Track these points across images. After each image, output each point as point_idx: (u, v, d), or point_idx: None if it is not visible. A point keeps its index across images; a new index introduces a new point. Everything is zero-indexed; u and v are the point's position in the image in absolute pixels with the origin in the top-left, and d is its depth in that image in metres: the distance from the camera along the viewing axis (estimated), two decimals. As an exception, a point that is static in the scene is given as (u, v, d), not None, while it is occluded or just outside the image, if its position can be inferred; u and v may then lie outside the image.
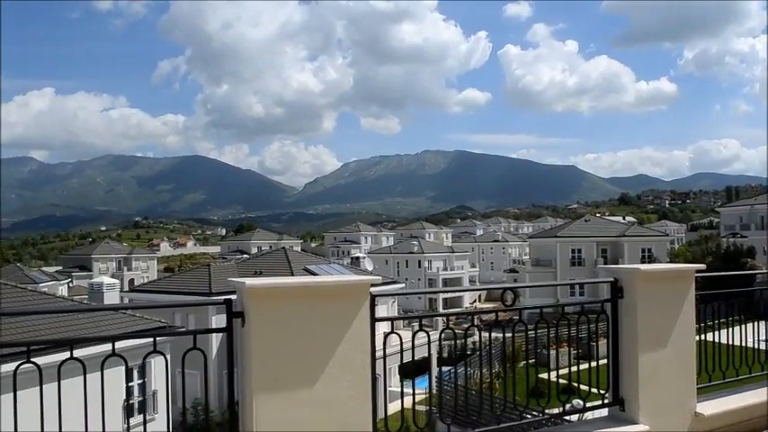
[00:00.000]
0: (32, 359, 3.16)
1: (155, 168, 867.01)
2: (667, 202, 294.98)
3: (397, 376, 26.25)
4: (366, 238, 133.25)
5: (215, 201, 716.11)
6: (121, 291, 40.21)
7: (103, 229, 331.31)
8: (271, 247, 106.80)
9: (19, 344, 3.38)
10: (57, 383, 3.11)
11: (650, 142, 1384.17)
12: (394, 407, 8.71)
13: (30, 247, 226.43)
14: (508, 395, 5.27)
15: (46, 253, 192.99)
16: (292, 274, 36.76)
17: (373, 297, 3.68)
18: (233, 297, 3.51)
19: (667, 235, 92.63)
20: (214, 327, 3.67)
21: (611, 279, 4.85)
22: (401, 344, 4.07)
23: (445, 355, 31.28)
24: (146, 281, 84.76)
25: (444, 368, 23.22)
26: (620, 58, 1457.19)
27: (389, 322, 4.33)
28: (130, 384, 21.02)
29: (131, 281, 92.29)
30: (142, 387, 21.28)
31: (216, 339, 27.70)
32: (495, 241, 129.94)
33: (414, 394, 4.61)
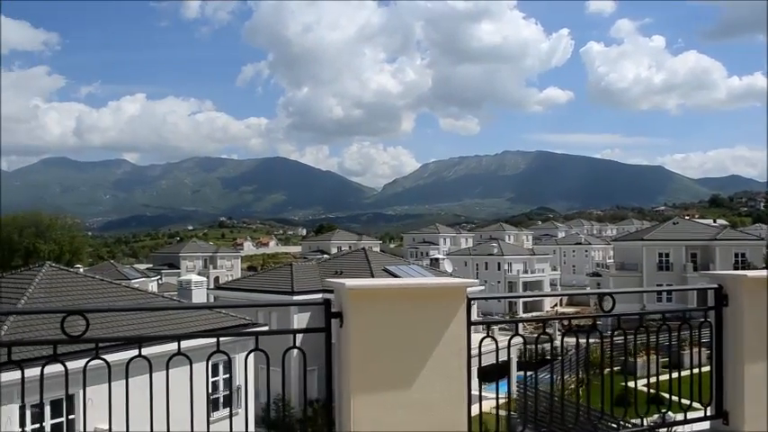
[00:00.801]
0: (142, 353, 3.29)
1: (238, 170, 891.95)
2: (762, 203, 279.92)
3: (475, 379, 26.01)
4: (445, 239, 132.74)
5: (296, 201, 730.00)
6: (208, 288, 41.51)
7: (190, 228, 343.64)
8: (350, 247, 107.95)
9: (132, 339, 3.51)
10: (153, 375, 3.22)
11: (743, 141, 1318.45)
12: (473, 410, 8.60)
13: (122, 245, 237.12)
14: (593, 403, 5.10)
15: (137, 251, 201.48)
16: (372, 275, 37.00)
17: (470, 300, 3.65)
18: (331, 297, 3.54)
19: (762, 239, 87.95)
20: (308, 327, 3.71)
21: (716, 286, 4.61)
22: (491, 347, 4.00)
23: (525, 359, 30.69)
24: (230, 279, 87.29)
25: (525, 373, 22.79)
26: (711, 52, 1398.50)
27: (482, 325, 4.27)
28: (215, 379, 21.71)
29: (216, 278, 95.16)
30: (227, 382, 21.94)
31: (297, 337, 28.26)
32: (578, 244, 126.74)
33: (497, 398, 4.50)
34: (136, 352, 3.29)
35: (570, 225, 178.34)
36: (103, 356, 3.34)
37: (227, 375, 21.87)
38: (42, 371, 3.25)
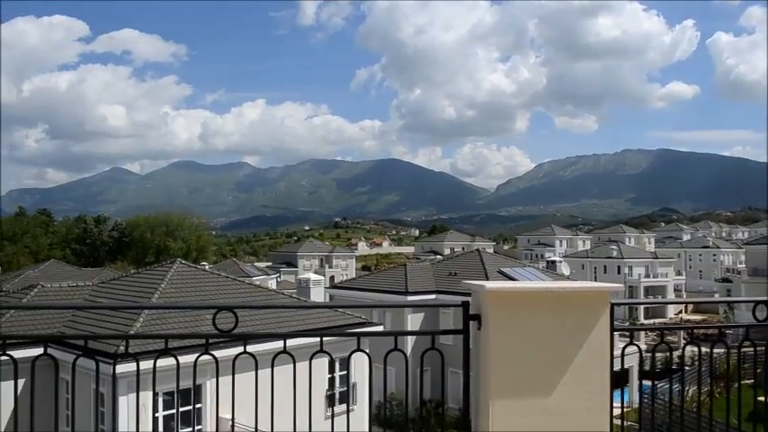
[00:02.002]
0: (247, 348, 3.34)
1: (353, 171, 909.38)
2: None
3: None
4: (561, 241, 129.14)
5: (409, 202, 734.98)
6: (324, 287, 42.48)
7: (307, 228, 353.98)
8: (463, 248, 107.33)
9: (277, 335, 3.58)
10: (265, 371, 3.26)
11: None
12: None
13: (244, 244, 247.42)
14: (719, 417, 4.69)
15: (257, 250, 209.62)
16: (487, 277, 36.55)
17: (613, 306, 3.45)
18: (469, 299, 3.46)
19: None
20: (449, 328, 3.65)
21: None
22: (639, 354, 3.76)
23: (647, 368, 29.31)
24: (345, 278, 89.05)
25: (648, 382, 21.71)
26: None
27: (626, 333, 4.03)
28: (332, 376, 22.16)
29: (332, 278, 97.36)
30: (344, 379, 22.34)
31: (411, 338, 28.37)
32: (705, 247, 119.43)
33: (622, 408, 4.23)
34: (264, 347, 3.34)
35: (696, 227, 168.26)
36: (249, 350, 3.43)
37: (344, 372, 22.29)
38: (178, 362, 3.41)
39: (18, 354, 3.43)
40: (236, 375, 3.41)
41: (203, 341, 3.41)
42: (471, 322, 3.40)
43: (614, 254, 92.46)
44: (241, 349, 3.37)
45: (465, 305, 3.41)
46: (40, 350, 3.31)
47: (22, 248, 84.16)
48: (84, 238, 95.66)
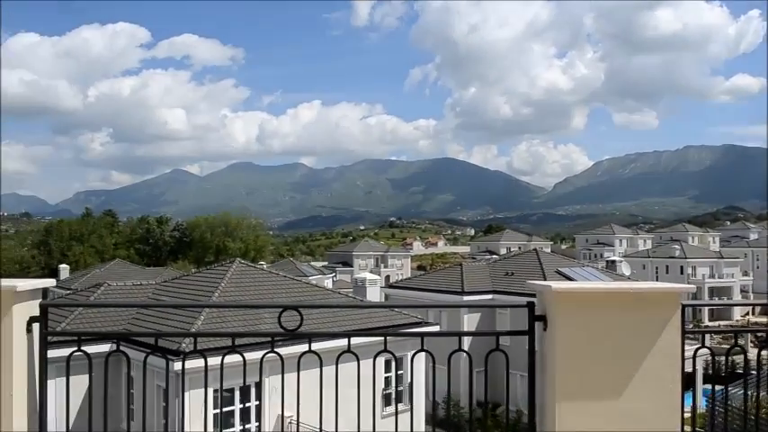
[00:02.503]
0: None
1: (408, 171, 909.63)
2: None
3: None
4: (620, 240, 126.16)
5: (464, 201, 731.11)
6: (380, 286, 42.55)
7: (362, 228, 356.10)
8: (519, 248, 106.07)
9: (341, 334, 3.59)
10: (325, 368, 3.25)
11: None
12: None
13: (300, 243, 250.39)
14: None
15: (313, 249, 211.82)
16: (544, 277, 36.00)
17: (684, 307, 3.32)
18: (534, 299, 3.39)
19: None
20: (509, 329, 3.58)
21: None
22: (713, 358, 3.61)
23: (711, 371, 28.32)
24: (400, 278, 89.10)
25: (710, 386, 20.93)
26: None
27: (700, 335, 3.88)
28: (388, 375, 22.18)
29: (387, 277, 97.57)
30: (400, 378, 22.34)
31: (467, 339, 28.16)
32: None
33: (693, 412, 4.06)
34: (318, 345, 3.32)
35: (764, 226, 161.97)
36: (315, 348, 3.45)
37: (400, 372, 22.29)
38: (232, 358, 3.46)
39: (86, 350, 3.53)
40: (292, 373, 3.42)
41: (260, 339, 3.45)
42: (537, 323, 3.33)
43: (677, 253, 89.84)
44: (299, 348, 3.39)
45: (530, 306, 3.34)
46: (105, 347, 3.39)
47: (88, 248, 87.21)
48: (147, 238, 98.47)
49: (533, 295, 3.50)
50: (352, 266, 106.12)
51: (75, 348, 3.33)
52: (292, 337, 3.23)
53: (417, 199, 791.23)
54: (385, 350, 3.32)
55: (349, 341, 3.34)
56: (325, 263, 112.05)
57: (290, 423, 18.04)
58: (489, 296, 36.30)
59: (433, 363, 3.68)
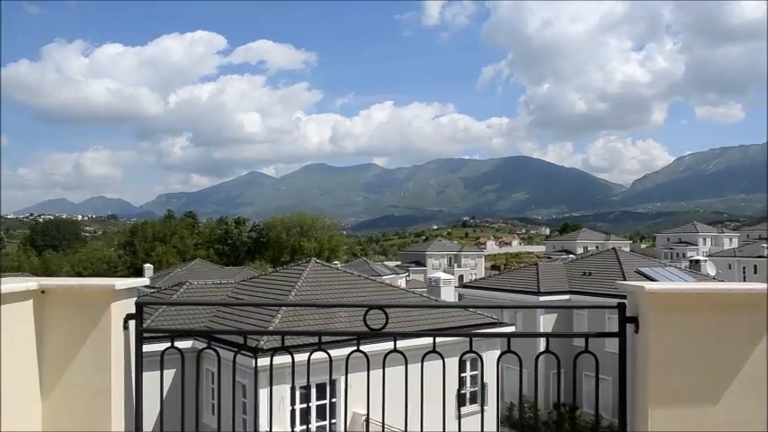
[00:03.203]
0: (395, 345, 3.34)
1: (480, 170, 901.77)
2: None
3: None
4: (704, 239, 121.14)
5: (538, 200, 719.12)
6: (454, 286, 42.30)
7: (435, 227, 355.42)
8: (597, 247, 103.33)
9: (423, 333, 3.60)
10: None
11: None
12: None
13: (373, 243, 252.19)
14: None
15: (386, 249, 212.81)
16: (624, 277, 34.97)
17: (787, 311, 3.11)
18: (624, 300, 3.28)
19: None
20: (606, 331, 3.48)
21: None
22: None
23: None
24: (474, 277, 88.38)
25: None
26: None
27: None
28: (463, 375, 22.03)
29: (461, 277, 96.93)
30: (474, 379, 22.17)
31: (542, 340, 27.56)
32: None
33: None
34: (403, 344, 3.32)
35: None
36: (379, 349, 3.46)
37: (475, 372, 22.12)
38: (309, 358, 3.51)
39: (167, 345, 3.66)
40: (368, 372, 3.43)
41: (336, 338, 3.49)
42: (628, 325, 3.22)
43: (765, 252, 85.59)
44: (375, 347, 3.40)
45: (621, 307, 3.22)
46: (187, 343, 3.49)
47: (171, 248, 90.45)
48: (225, 238, 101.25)
49: (614, 296, 3.40)
50: (425, 266, 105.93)
51: (169, 345, 3.46)
52: (377, 336, 3.25)
53: (491, 198, 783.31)
54: (470, 350, 3.29)
55: (434, 341, 3.33)
56: (399, 262, 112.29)
57: (365, 421, 18.21)
58: (566, 297, 35.53)
59: (519, 364, 3.62)
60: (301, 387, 18.00)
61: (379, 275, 60.54)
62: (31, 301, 3.15)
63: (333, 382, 19.12)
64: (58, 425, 3.20)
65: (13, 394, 3.03)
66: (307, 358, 3.63)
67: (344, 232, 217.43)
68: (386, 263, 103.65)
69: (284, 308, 19.81)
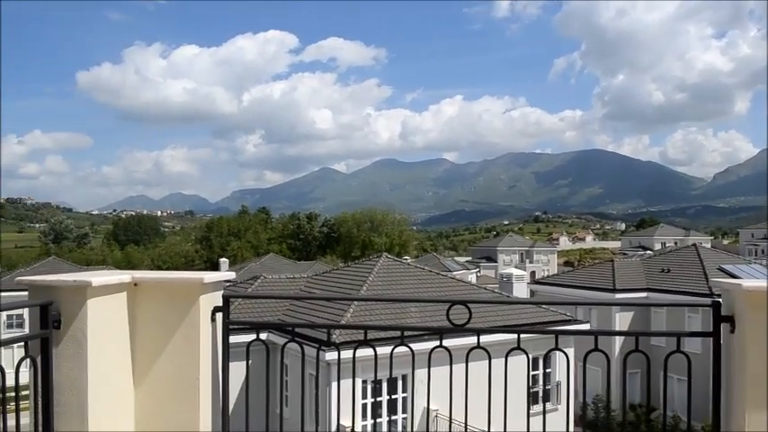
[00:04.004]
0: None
1: (553, 164, 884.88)
2: None
3: None
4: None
5: (613, 194, 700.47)
6: (526, 282, 41.71)
7: (506, 223, 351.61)
8: (676, 243, 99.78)
9: (510, 328, 3.56)
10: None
11: None
12: None
13: (443, 238, 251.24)
14: None
15: (457, 244, 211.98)
16: (705, 275, 33.67)
17: None
18: (719, 299, 3.16)
19: None
20: (690, 330, 3.36)
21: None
22: None
23: None
24: (546, 274, 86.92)
25: None
26: None
27: None
28: (535, 373, 21.71)
29: (532, 273, 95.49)
30: (546, 377, 21.81)
31: (618, 339, 26.85)
32: None
33: None
34: (466, 341, 3.28)
35: None
36: (458, 344, 3.45)
37: (548, 370, 21.77)
38: (392, 352, 3.52)
39: (242, 338, 3.75)
40: (439, 368, 3.43)
41: (406, 333, 3.51)
42: (723, 324, 3.09)
43: None
44: (453, 342, 3.37)
45: (716, 305, 3.09)
46: (261, 335, 3.56)
47: (245, 243, 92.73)
48: (297, 233, 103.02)
49: (696, 294, 3.27)
50: (496, 262, 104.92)
51: (255, 337, 3.55)
52: (460, 331, 3.23)
53: (563, 192, 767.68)
54: (556, 347, 3.24)
55: (518, 338, 3.29)
56: (469, 258, 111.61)
57: (437, 417, 18.19)
58: (644, 294, 34.51)
59: (606, 362, 3.53)
60: (373, 381, 18.18)
61: (450, 271, 60.28)
62: (125, 293, 3.29)
63: (405, 377, 19.20)
64: (150, 412, 3.33)
65: (110, 381, 3.18)
66: (389, 352, 3.64)
67: (414, 227, 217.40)
68: (456, 258, 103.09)
69: (355, 302, 20.03)
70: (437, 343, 3.37)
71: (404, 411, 19.78)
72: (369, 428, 18.39)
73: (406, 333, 3.53)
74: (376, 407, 18.70)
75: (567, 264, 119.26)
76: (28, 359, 3.01)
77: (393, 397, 19.28)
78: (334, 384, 17.60)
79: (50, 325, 3.00)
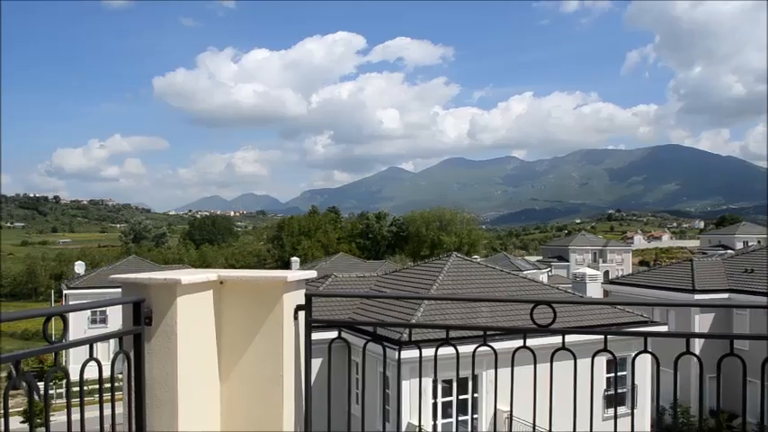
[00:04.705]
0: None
1: (626, 160, 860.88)
2: None
3: None
4: None
5: (691, 191, 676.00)
6: (600, 282, 40.74)
7: (578, 221, 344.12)
8: (759, 242, 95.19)
9: (595, 328, 3.52)
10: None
11: None
12: None
13: (513, 237, 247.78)
14: None
15: (527, 243, 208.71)
16: (792, 274, 32.09)
17: None
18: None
19: None
20: (749, 332, 3.24)
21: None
22: None
23: None
24: (620, 274, 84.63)
25: None
26: None
27: None
28: (609, 375, 21.18)
29: (606, 273, 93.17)
30: (624, 380, 21.24)
31: (699, 342, 25.93)
32: None
33: None
34: (546, 341, 3.24)
35: None
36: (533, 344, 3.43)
37: (623, 373, 21.20)
38: (474, 352, 3.51)
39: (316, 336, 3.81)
40: (535, 366, 3.38)
41: (475, 333, 3.50)
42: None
43: None
44: (516, 343, 3.34)
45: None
46: (332, 334, 3.61)
47: (315, 242, 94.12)
48: (366, 233, 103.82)
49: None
50: (567, 261, 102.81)
51: (336, 336, 3.62)
52: (544, 331, 3.19)
53: (638, 189, 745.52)
54: (645, 350, 3.16)
55: (605, 339, 3.23)
56: (540, 257, 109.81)
57: (507, 418, 18.01)
58: (725, 295, 33.19)
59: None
60: (443, 381, 18.13)
61: (521, 270, 59.47)
62: (212, 291, 3.41)
63: (476, 378, 19.07)
64: (235, 407, 3.44)
65: (198, 376, 3.30)
66: (464, 352, 3.64)
67: (483, 226, 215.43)
68: (526, 258, 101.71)
69: (425, 301, 20.02)
70: (508, 344, 3.35)
71: (474, 412, 19.66)
72: (439, 429, 18.36)
73: (472, 333, 3.53)
74: (446, 407, 18.66)
75: (642, 263, 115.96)
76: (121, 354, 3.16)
77: (463, 397, 19.18)
78: (405, 383, 17.66)
79: (142, 321, 3.14)
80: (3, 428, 2.44)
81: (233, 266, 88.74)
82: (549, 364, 3.27)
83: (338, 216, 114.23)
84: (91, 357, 2.90)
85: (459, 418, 18.97)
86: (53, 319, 2.74)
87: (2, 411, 2.39)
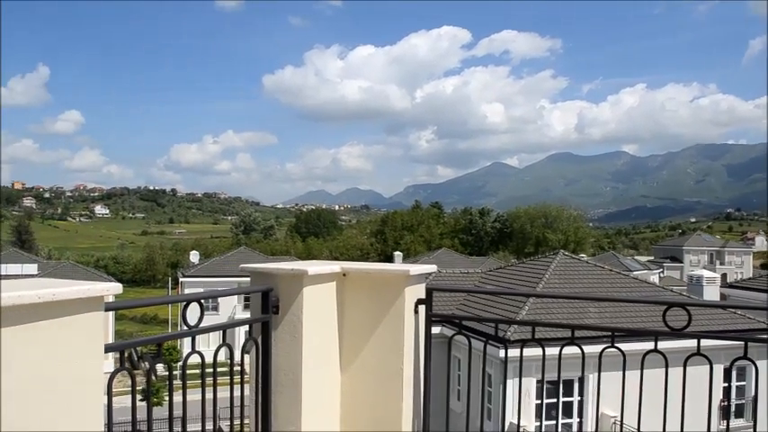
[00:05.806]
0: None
1: (748, 155, 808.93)
2: None
3: None
4: None
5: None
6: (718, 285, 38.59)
7: (693, 220, 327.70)
8: None
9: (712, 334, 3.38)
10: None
11: None
12: None
13: (622, 236, 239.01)
14: None
15: (637, 242, 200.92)
16: None
17: None
18: None
19: None
20: None
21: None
22: None
23: None
24: (739, 277, 79.86)
25: None
26: None
27: None
28: (726, 385, 20.05)
29: (723, 275, 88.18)
30: (741, 390, 20.09)
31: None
32: None
33: None
34: (639, 345, 3.11)
35: None
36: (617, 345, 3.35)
37: (742, 383, 20.04)
38: (560, 352, 3.45)
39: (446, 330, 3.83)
40: (613, 372, 3.29)
41: (586, 333, 3.41)
42: None
43: None
44: (635, 347, 3.23)
45: None
46: (435, 329, 3.63)
47: (418, 237, 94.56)
48: (469, 228, 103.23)
49: None
50: (681, 262, 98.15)
51: (457, 331, 3.65)
52: (676, 335, 3.09)
53: (760, 187, 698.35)
54: (744, 357, 3.00)
55: (746, 345, 3.09)
56: (651, 257, 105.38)
57: (614, 423, 17.42)
58: None
59: None
60: (549, 382, 17.79)
61: (630, 271, 57.36)
62: (335, 282, 3.53)
63: (582, 380, 18.60)
64: (355, 398, 3.55)
65: (321, 366, 3.43)
66: (567, 353, 3.56)
67: (591, 224, 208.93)
68: (637, 257, 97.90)
69: (531, 299, 19.71)
70: (632, 347, 3.25)
71: (579, 415, 19.21)
72: (543, 430, 18.06)
73: (578, 333, 3.47)
74: (550, 408, 18.31)
75: (764, 266, 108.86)
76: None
77: (567, 400, 18.78)
78: (510, 383, 17.48)
79: (270, 310, 3.30)
80: (130, 405, 2.67)
81: (337, 259, 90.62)
82: (664, 369, 3.17)
83: (441, 211, 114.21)
84: (224, 343, 3.09)
85: (562, 421, 18.58)
86: (170, 306, 2.94)
87: (129, 390, 2.61)
